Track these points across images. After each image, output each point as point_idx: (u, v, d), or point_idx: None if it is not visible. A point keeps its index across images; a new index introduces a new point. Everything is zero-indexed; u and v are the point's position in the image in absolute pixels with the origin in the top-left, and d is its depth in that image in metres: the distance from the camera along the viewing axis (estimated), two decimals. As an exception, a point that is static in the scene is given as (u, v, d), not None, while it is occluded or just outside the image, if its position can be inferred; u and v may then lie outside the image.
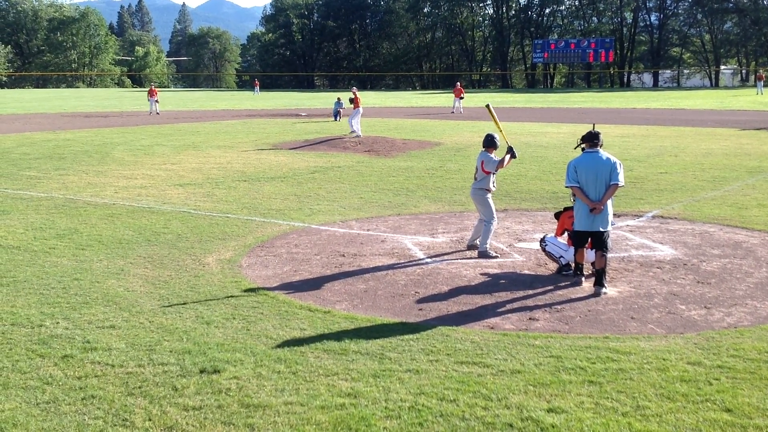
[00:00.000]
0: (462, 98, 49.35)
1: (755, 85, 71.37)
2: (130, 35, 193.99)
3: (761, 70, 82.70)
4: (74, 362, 7.19)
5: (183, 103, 70.45)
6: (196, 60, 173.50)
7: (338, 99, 43.86)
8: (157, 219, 14.49)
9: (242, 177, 20.32)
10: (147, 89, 51.29)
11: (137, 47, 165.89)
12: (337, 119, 42.22)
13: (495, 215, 11.67)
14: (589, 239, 9.92)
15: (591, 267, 10.34)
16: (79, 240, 12.64)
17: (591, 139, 9.72)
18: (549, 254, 10.62)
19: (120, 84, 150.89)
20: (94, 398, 6.40)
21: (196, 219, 14.51)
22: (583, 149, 9.97)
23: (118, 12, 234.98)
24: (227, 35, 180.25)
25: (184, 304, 9.09)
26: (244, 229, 13.56)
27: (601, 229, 9.63)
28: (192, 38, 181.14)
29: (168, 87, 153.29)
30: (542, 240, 10.81)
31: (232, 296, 9.41)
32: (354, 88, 35.68)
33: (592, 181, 9.56)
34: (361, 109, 33.55)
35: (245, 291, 9.65)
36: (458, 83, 53.57)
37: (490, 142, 11.70)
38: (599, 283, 9.59)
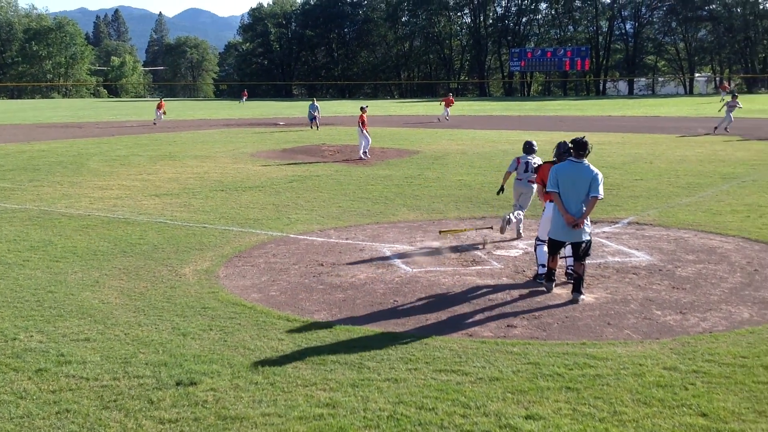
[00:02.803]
0: (450, 107, 49.66)
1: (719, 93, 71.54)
2: (106, 45, 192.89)
3: (725, 81, 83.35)
4: (48, 376, 7.10)
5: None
6: (173, 69, 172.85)
7: (313, 101, 43.59)
8: (132, 230, 14.39)
9: (219, 186, 20.24)
10: (156, 102, 53.31)
11: (113, 57, 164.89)
12: (313, 125, 42.02)
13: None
14: (568, 247, 10.02)
15: (565, 275, 10.43)
16: (54, 252, 12.52)
17: (578, 148, 9.50)
18: (535, 255, 10.67)
19: (96, 94, 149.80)
20: (69, 412, 6.33)
21: (173, 229, 14.43)
22: (561, 160, 9.95)
23: (94, 22, 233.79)
24: (205, 44, 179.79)
25: (161, 315, 9.02)
26: (221, 239, 13.50)
27: (583, 239, 9.56)
28: (169, 47, 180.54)
29: (144, 97, 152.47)
30: (537, 238, 10.76)
31: (209, 307, 9.35)
32: (366, 106, 29.08)
33: (571, 191, 9.50)
34: (367, 133, 27.36)
35: (222, 302, 9.59)
36: (450, 94, 53.89)
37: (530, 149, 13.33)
38: (577, 290, 9.61)
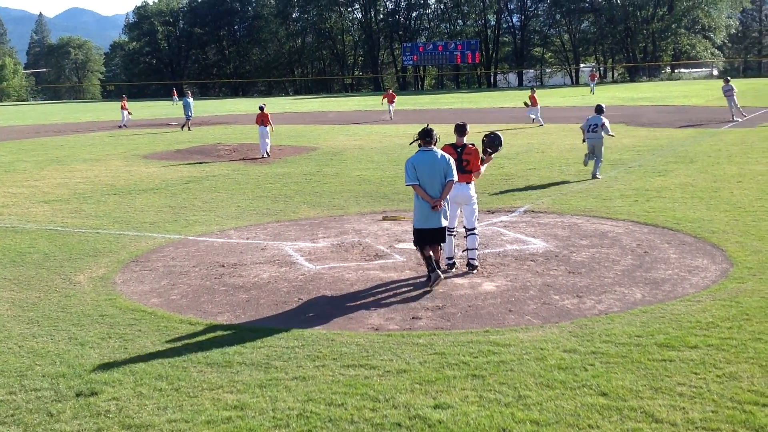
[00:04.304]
0: (393, 103, 45.35)
1: (588, 84, 73.55)
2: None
3: (594, 70, 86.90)
4: (-63, 396, 6.74)
5: (44, 116, 67.51)
6: (56, 71, 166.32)
7: (186, 96, 41.93)
8: (21, 238, 13.80)
9: (112, 191, 19.65)
10: (120, 103, 48.84)
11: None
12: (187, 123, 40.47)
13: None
14: (470, 237, 10.32)
15: (466, 265, 10.61)
16: (-63, 265, 11.88)
17: (425, 137, 9.91)
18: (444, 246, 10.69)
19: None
20: (-39, 432, 6.03)
21: (64, 236, 13.92)
22: (419, 145, 10.17)
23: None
24: (89, 44, 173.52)
25: (56, 325, 8.69)
26: (116, 245, 13.10)
27: (443, 225, 9.91)
28: (51, 48, 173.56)
29: (27, 101, 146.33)
30: (446, 228, 10.78)
31: (106, 315, 9.07)
32: (264, 104, 28.71)
33: (429, 179, 9.81)
34: (268, 128, 27.10)
35: (121, 309, 9.32)
36: (389, 89, 50.28)
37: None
38: (434, 269, 9.81)
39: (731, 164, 20.39)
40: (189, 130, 39.99)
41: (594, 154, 19.13)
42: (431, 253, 10.00)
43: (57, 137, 39.69)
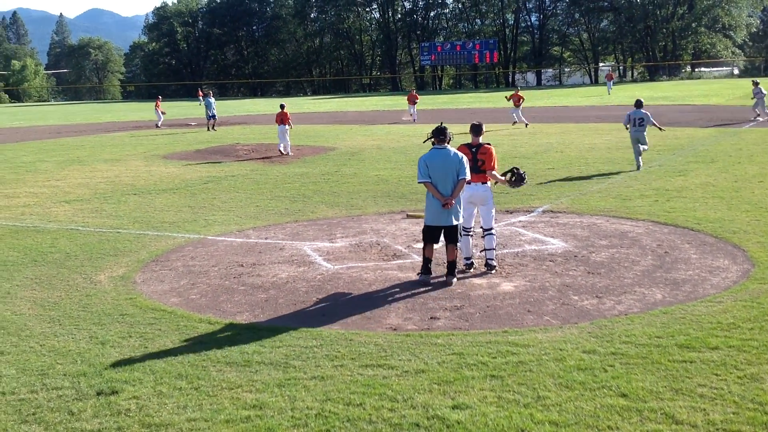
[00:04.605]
0: (416, 103, 43.66)
1: (603, 84, 71.04)
2: (5, 49, 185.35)
3: (611, 70, 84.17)
4: (-40, 394, 6.82)
5: (65, 117, 68.05)
6: (77, 72, 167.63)
7: (207, 96, 41.87)
8: (43, 238, 13.93)
9: (132, 190, 19.77)
10: (154, 102, 48.85)
11: (14, 61, 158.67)
12: (211, 124, 40.50)
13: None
14: (487, 238, 10.36)
15: (484, 266, 10.60)
16: (-40, 264, 12.00)
17: (438, 135, 9.95)
18: (461, 245, 10.66)
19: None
20: (-16, 430, 6.10)
21: (85, 236, 14.03)
22: (433, 143, 10.16)
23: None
24: (109, 45, 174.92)
25: (77, 325, 8.76)
26: (136, 244, 13.19)
27: (454, 223, 9.96)
28: (72, 49, 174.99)
29: (48, 101, 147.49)
30: (463, 228, 10.62)
31: (127, 314, 9.13)
32: (284, 104, 29.69)
33: (441, 177, 9.85)
34: (287, 127, 27.69)
35: (141, 308, 9.38)
36: (412, 90, 48.75)
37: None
38: (451, 273, 10.02)
39: (752, 164, 20.21)
40: (214, 130, 40.08)
41: (640, 143, 20.22)
42: (432, 255, 10.16)
43: (78, 137, 40.01)
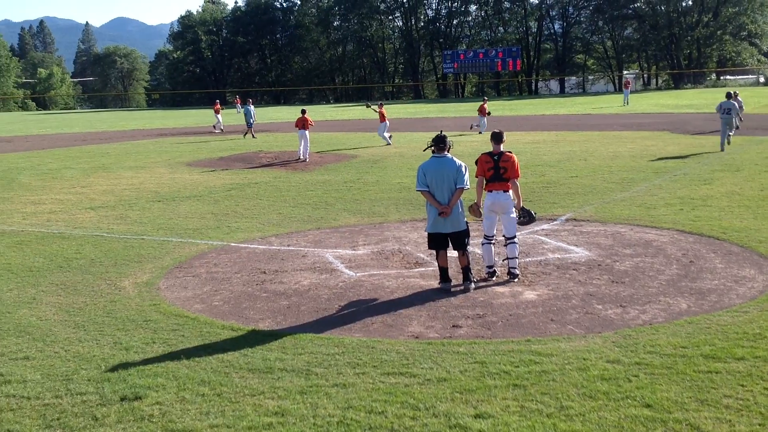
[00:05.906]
0: (488, 114, 39.35)
1: (622, 92, 66.62)
2: (32, 57, 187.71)
3: (626, 78, 79.36)
4: (-14, 398, 6.89)
5: (90, 124, 68.74)
6: (102, 80, 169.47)
7: (247, 104, 42.46)
8: (68, 244, 14.06)
9: (156, 197, 19.92)
10: (213, 107, 49.19)
11: (40, 69, 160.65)
12: (251, 132, 40.82)
13: None
14: (509, 246, 10.35)
15: (507, 274, 10.56)
16: (-13, 270, 12.14)
17: (438, 143, 10.01)
18: (483, 254, 10.74)
19: (24, 107, 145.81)
20: (10, 434, 6.15)
21: (110, 242, 14.15)
22: (433, 152, 10.17)
23: (19, 33, 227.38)
24: (135, 53, 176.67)
25: (101, 330, 8.83)
26: (160, 251, 13.28)
27: (453, 231, 9.98)
28: (98, 58, 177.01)
29: (74, 109, 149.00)
30: (485, 236, 10.72)
31: (150, 320, 9.19)
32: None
33: (438, 185, 9.90)
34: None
35: (164, 314, 9.44)
36: (485, 99, 45.00)
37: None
38: (467, 279, 10.10)
39: (779, 172, 19.99)
40: (253, 137, 40.35)
41: (729, 126, 25.27)
42: (446, 263, 10.20)
43: (103, 144, 40.39)
